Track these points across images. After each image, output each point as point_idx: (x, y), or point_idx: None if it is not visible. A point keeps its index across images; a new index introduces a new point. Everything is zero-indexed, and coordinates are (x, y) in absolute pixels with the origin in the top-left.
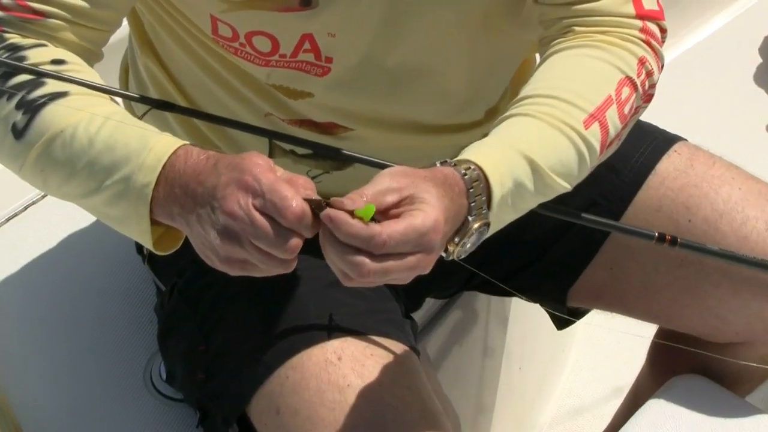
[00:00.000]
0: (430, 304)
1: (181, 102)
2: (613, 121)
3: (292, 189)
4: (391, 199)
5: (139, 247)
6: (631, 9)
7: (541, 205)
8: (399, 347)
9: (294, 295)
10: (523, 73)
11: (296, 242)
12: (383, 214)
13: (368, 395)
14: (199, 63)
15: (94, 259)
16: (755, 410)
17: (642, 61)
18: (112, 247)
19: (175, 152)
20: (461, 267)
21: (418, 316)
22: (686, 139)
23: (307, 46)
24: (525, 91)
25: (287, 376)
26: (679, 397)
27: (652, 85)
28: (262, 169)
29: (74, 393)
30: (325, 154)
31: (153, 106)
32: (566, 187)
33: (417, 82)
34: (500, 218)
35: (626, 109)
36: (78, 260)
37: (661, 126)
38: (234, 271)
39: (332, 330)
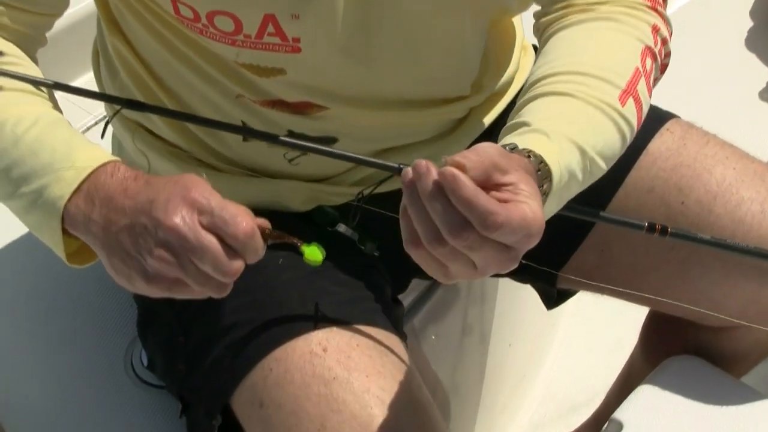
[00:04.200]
0: (416, 285)
1: (151, 83)
2: (644, 95)
3: (242, 211)
4: (498, 177)
5: None
6: None
7: None
8: (385, 335)
9: (276, 283)
10: (504, 41)
11: (239, 265)
12: (485, 189)
13: (354, 388)
14: (165, 45)
15: (77, 277)
16: (751, 392)
17: (656, 29)
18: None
19: (102, 166)
20: None
21: (405, 297)
22: (678, 116)
23: (271, 29)
24: (548, 68)
25: (271, 369)
26: (673, 378)
27: (668, 54)
28: (206, 187)
29: (54, 382)
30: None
31: (123, 105)
32: (604, 169)
33: (395, 61)
34: (548, 211)
35: (651, 80)
36: None
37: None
38: (157, 292)
39: (317, 320)
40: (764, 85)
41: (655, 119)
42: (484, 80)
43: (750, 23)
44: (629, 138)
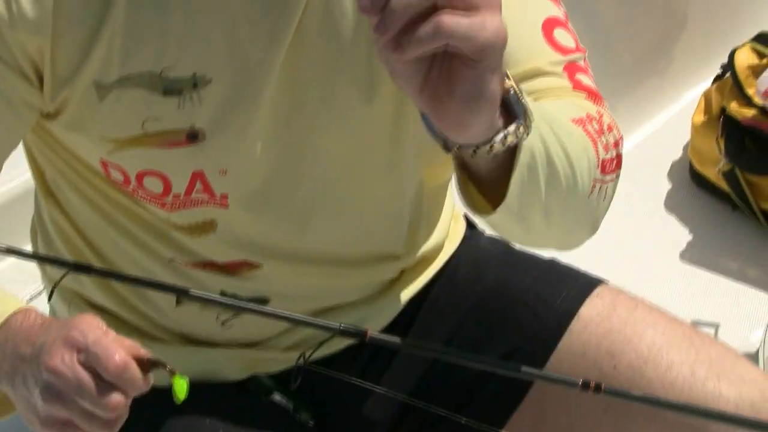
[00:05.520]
0: None
1: (85, 251)
2: (597, 138)
3: (118, 344)
4: None
5: None
6: (567, 83)
7: (462, 357)
8: None
9: None
10: (436, 200)
11: (117, 399)
12: None
13: None
14: (100, 213)
15: None
16: None
17: (599, 113)
18: None
19: (13, 314)
20: (384, 416)
21: None
22: (607, 281)
23: (199, 186)
24: None
25: None
26: None
27: (616, 143)
28: (89, 325)
29: None
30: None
31: (71, 269)
32: (574, 165)
33: (325, 212)
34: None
35: (603, 140)
36: None
37: (574, 256)
38: None
39: None
40: (684, 246)
41: (585, 285)
42: (417, 238)
43: (668, 185)
44: (592, 158)
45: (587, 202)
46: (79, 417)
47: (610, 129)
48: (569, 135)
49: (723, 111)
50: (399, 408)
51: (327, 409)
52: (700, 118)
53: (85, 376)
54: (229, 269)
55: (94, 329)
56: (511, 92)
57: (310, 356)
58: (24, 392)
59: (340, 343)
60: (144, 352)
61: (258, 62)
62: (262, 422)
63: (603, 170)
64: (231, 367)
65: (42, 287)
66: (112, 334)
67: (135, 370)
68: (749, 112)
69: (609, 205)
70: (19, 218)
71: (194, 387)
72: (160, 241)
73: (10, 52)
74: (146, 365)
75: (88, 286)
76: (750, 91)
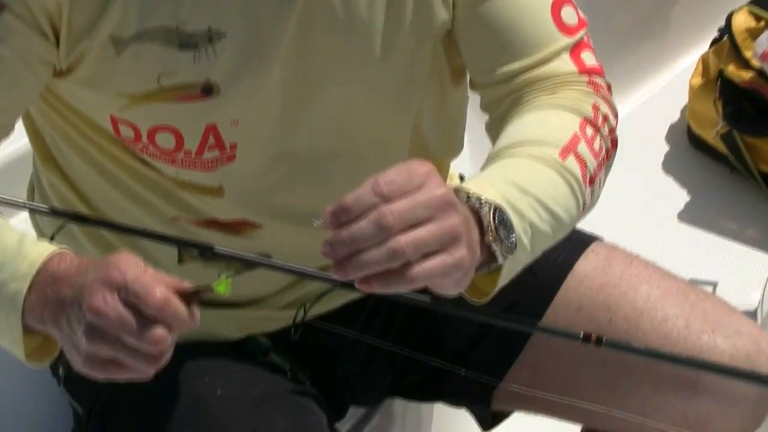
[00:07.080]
0: (353, 413)
1: (86, 212)
2: (588, 156)
3: (157, 280)
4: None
5: (54, 369)
6: (573, 67)
7: (466, 308)
8: None
9: (218, 416)
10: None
11: (160, 333)
12: None
13: None
14: (101, 173)
15: (5, 383)
16: None
17: (595, 107)
18: (23, 369)
19: (50, 258)
20: (384, 372)
21: (342, 425)
22: (602, 238)
23: (211, 141)
24: (490, 153)
25: None
26: None
27: (612, 130)
28: (128, 263)
29: None
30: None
31: (69, 219)
32: (562, 218)
33: (329, 166)
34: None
35: (595, 146)
36: None
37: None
38: (98, 373)
39: None
40: (682, 207)
41: (579, 241)
42: None
43: (666, 147)
44: (579, 192)
45: (579, 217)
46: (124, 354)
47: (605, 120)
48: (555, 191)
49: (720, 74)
50: (398, 363)
51: (324, 368)
52: (698, 80)
53: (127, 314)
54: (232, 228)
55: (132, 267)
56: (493, 246)
57: (310, 307)
58: (69, 333)
59: (340, 299)
60: (186, 284)
61: (272, 17)
62: (261, 381)
63: (590, 182)
64: (228, 327)
65: None
66: (150, 270)
67: (176, 304)
68: (747, 75)
69: (605, 181)
70: (16, 183)
71: (192, 346)
72: (165, 200)
73: (29, 9)
74: (190, 297)
75: (84, 244)
76: (747, 54)
